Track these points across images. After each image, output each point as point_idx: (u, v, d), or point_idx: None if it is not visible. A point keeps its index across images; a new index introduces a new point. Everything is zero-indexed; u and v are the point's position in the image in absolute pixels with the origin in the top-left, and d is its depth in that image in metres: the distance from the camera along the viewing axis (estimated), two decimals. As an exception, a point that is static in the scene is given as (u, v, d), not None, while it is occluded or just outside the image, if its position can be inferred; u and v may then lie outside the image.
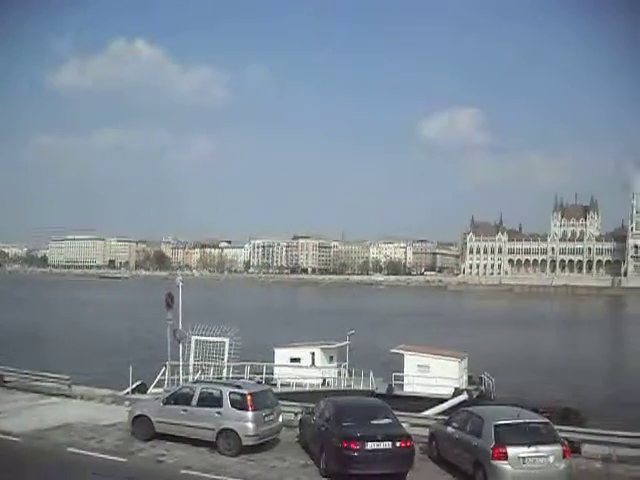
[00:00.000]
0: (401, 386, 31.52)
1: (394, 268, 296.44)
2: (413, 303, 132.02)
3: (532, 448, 13.85)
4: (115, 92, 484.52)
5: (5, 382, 25.32)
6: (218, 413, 16.61)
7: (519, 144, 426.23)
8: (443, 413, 24.20)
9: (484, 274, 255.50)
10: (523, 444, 13.87)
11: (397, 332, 55.65)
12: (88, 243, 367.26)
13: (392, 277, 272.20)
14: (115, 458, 15.78)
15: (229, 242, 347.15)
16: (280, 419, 17.73)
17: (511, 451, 13.76)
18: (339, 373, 33.94)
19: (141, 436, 17.52)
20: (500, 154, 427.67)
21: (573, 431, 17.42)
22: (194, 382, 20.64)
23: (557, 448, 14.09)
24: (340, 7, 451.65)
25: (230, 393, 16.85)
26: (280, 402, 18.56)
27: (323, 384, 32.39)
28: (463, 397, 29.74)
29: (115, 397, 24.02)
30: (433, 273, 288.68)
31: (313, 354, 34.14)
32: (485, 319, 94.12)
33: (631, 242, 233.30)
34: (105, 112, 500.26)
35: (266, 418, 16.83)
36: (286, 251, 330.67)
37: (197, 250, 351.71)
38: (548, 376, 41.55)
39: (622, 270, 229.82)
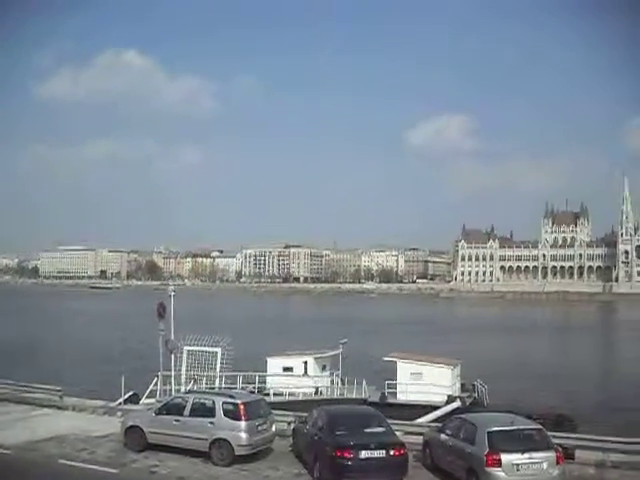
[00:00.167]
0: (394, 394, 31.56)
1: (386, 276, 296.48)
2: (405, 311, 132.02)
3: (526, 455, 13.84)
4: (106, 103, 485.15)
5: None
6: (211, 423, 16.55)
7: (513, 148, 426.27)
8: (436, 420, 24.24)
9: (476, 281, 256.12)
10: (517, 451, 13.87)
11: (389, 340, 55.72)
12: (79, 254, 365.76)
13: (384, 285, 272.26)
14: (107, 470, 15.68)
15: (221, 251, 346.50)
16: (273, 428, 17.67)
17: (505, 458, 13.75)
18: (332, 382, 33.94)
19: (134, 447, 17.41)
20: (491, 160, 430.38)
21: (566, 437, 17.42)
22: (186, 392, 20.57)
23: (551, 454, 14.09)
24: (340, 7, 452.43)
25: (223, 403, 16.78)
26: (273, 411, 18.49)
27: (316, 393, 32.39)
28: (456, 404, 29.81)
29: (107, 408, 23.90)
30: (425, 281, 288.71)
31: (306, 363, 34.10)
32: (477, 326, 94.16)
33: (621, 248, 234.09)
34: (97, 122, 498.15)
35: (259, 428, 16.77)
36: (278, 260, 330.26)
37: (189, 260, 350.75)
38: (541, 382, 41.64)
39: (613, 276, 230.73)
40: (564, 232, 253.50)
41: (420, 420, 25.01)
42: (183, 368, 29.22)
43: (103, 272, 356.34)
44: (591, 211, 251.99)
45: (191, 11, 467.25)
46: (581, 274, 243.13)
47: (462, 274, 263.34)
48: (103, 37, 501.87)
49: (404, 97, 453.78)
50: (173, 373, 26.40)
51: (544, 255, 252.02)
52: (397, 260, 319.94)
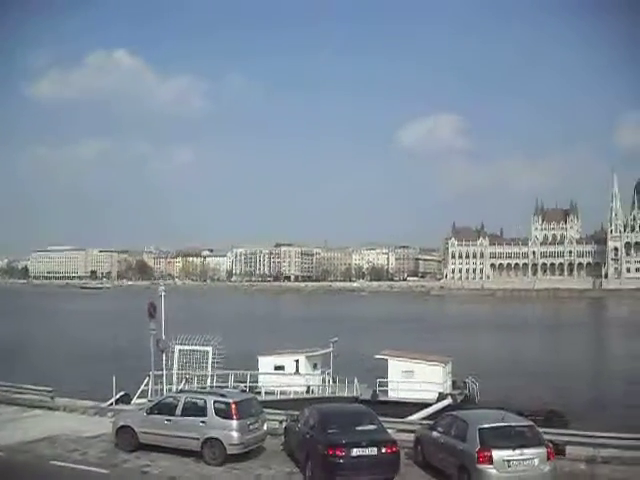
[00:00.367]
0: (385, 392, 31.55)
1: (377, 274, 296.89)
2: (396, 309, 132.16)
3: (517, 451, 13.89)
4: (99, 101, 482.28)
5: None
6: (202, 422, 16.54)
7: (506, 148, 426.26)
8: (428, 418, 24.26)
9: (466, 279, 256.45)
10: (508, 447, 13.91)
11: (380, 338, 55.69)
12: (69, 254, 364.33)
13: (375, 283, 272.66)
14: (99, 470, 15.67)
15: (211, 251, 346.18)
16: (265, 427, 17.68)
17: (496, 454, 13.79)
18: (323, 380, 33.88)
19: (125, 447, 17.38)
20: (484, 159, 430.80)
21: (557, 433, 17.52)
22: (178, 392, 20.54)
23: (542, 450, 14.14)
24: (340, 7, 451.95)
25: (214, 402, 16.77)
26: (265, 410, 18.50)
27: (307, 391, 32.35)
28: (447, 401, 29.81)
29: (98, 408, 23.84)
30: (416, 279, 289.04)
31: (297, 362, 34.06)
32: (468, 324, 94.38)
33: (611, 244, 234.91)
34: (90, 122, 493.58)
35: (251, 426, 16.77)
36: (269, 259, 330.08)
37: (179, 259, 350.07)
38: (531, 379, 41.74)
39: (603, 272, 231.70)
40: (554, 229, 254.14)
41: (412, 417, 25.04)
42: (174, 367, 29.17)
43: (93, 272, 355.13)
44: (581, 208, 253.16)
45: (191, 12, 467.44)
46: (571, 271, 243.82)
47: (452, 272, 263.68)
48: (96, 38, 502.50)
49: (404, 97, 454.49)
50: (164, 372, 26.37)
51: (534, 252, 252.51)
52: (388, 258, 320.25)
